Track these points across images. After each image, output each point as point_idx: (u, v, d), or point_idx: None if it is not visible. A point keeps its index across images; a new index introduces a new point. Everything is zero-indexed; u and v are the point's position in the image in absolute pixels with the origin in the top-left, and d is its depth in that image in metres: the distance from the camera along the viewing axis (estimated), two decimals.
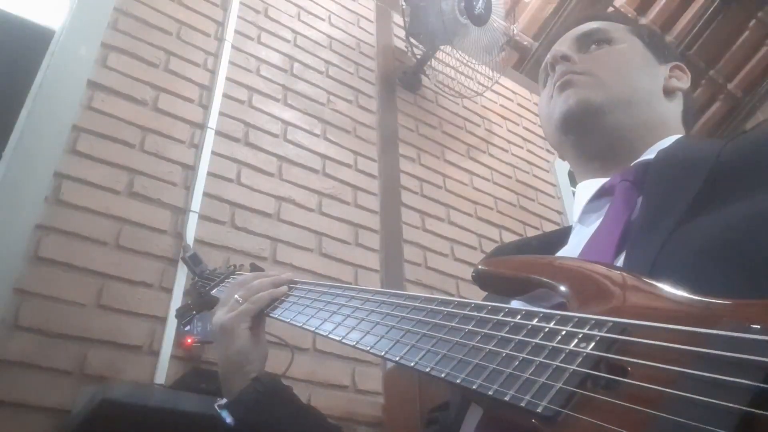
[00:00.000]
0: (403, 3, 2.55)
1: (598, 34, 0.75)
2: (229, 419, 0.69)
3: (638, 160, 0.62)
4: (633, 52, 0.74)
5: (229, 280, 0.96)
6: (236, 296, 0.76)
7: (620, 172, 0.62)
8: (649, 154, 0.62)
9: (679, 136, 0.66)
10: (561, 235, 0.70)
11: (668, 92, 0.72)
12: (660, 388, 0.29)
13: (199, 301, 1.03)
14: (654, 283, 0.40)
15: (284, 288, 0.77)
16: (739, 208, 0.45)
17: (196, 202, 1.76)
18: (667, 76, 0.74)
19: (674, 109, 0.73)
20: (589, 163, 0.70)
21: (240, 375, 0.72)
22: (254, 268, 0.99)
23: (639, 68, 0.72)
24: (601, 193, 0.64)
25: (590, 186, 0.67)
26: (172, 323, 1.53)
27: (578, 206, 0.68)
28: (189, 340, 1.52)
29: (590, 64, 0.71)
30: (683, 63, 0.79)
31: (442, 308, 0.48)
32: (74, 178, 1.61)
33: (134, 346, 1.47)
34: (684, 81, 0.75)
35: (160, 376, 1.45)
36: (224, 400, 0.71)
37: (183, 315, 1.06)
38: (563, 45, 0.76)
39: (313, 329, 0.63)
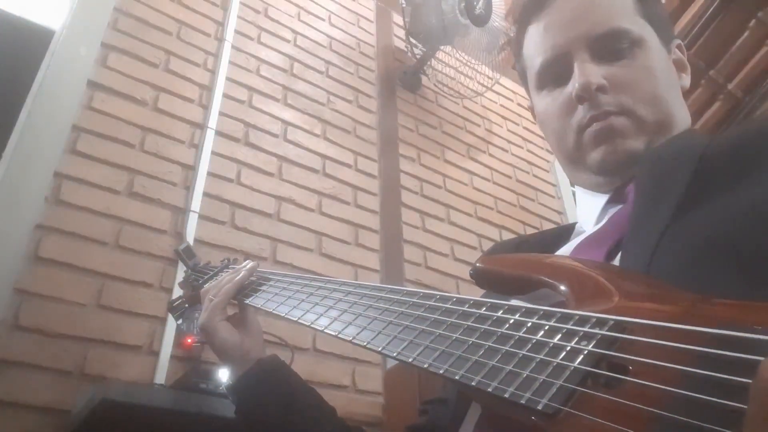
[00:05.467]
0: (403, 2, 2.55)
1: (618, 39, 0.62)
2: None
3: None
4: (658, 57, 0.64)
5: (223, 274, 0.96)
6: (209, 296, 0.82)
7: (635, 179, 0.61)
8: None
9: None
10: (559, 234, 0.69)
11: (683, 90, 0.67)
12: (662, 387, 0.29)
13: (192, 294, 1.02)
14: (654, 281, 0.40)
15: (244, 273, 0.83)
16: (729, 202, 0.45)
17: (196, 202, 1.76)
18: (676, 73, 0.67)
19: (682, 99, 0.67)
20: (600, 187, 0.65)
21: (235, 362, 0.76)
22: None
23: (668, 81, 0.64)
24: (614, 199, 0.63)
25: (600, 194, 0.65)
26: (172, 323, 1.53)
27: (592, 212, 0.64)
28: (189, 340, 1.52)
29: (624, 95, 0.61)
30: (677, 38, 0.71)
31: (441, 304, 0.48)
32: (74, 178, 1.61)
33: (134, 346, 1.47)
34: (687, 73, 0.69)
35: (160, 376, 1.45)
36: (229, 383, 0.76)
37: (175, 308, 1.05)
38: (576, 43, 0.63)
39: (308, 324, 0.62)
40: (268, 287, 0.78)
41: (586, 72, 0.61)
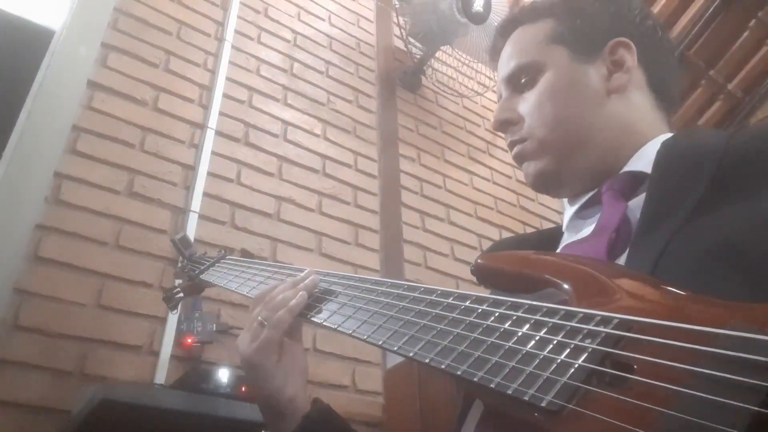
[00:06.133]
0: (396, 2, 2.54)
1: (521, 73, 0.70)
2: None
3: (626, 170, 0.62)
4: (560, 77, 0.67)
5: (219, 265, 0.95)
6: (259, 318, 0.66)
7: (608, 182, 0.62)
8: (637, 161, 0.61)
9: (668, 135, 0.64)
10: (557, 233, 0.70)
11: (615, 91, 0.66)
12: (668, 386, 0.29)
13: (188, 285, 1.01)
14: (659, 282, 0.39)
15: (303, 296, 0.65)
16: (742, 211, 0.45)
17: (196, 202, 1.76)
18: (606, 75, 0.67)
19: (635, 99, 0.67)
20: (575, 198, 0.69)
21: (284, 415, 0.64)
22: (245, 253, 0.98)
23: (577, 96, 0.66)
24: (589, 203, 0.64)
25: (577, 197, 0.67)
26: (172, 323, 1.53)
27: (566, 215, 0.68)
28: (189, 340, 1.51)
29: (527, 124, 0.68)
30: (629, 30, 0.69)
31: (443, 299, 0.48)
32: (74, 178, 1.60)
33: (134, 346, 1.47)
34: (627, 65, 0.67)
35: (160, 376, 1.44)
36: None
37: (170, 298, 1.04)
38: (501, 85, 0.74)
39: (321, 322, 0.60)
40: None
41: (496, 110, 0.73)
